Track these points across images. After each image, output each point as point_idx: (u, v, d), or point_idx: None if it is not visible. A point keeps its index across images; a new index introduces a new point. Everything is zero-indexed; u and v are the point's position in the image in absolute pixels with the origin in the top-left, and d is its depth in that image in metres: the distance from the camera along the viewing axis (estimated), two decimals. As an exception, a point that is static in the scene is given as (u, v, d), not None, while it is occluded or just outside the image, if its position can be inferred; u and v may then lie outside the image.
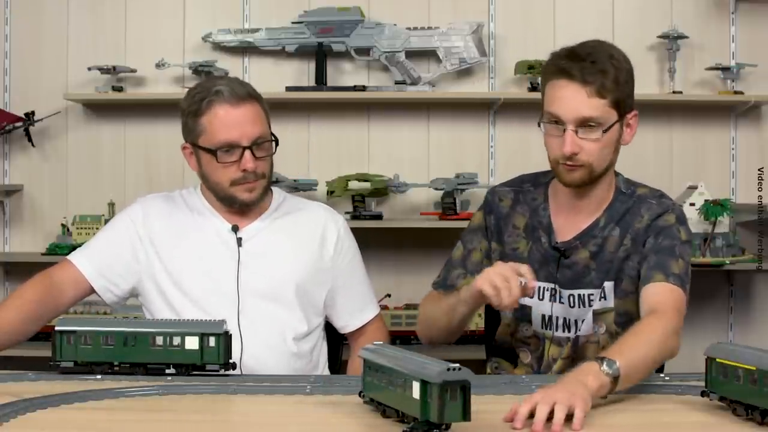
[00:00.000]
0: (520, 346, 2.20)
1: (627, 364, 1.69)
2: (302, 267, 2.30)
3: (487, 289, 1.86)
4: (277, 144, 2.27)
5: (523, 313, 2.16)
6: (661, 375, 1.94)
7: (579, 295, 2.11)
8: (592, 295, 2.10)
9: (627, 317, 2.08)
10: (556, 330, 2.13)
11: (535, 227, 2.16)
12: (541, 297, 2.14)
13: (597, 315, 2.10)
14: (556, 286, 2.11)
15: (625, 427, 1.58)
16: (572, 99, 2.00)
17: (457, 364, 1.43)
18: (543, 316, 2.15)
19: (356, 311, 2.40)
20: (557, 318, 2.13)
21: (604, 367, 1.66)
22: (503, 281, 1.85)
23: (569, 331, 2.12)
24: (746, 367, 1.53)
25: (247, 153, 2.19)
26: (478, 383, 1.75)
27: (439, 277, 2.25)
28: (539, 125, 2.07)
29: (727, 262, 3.65)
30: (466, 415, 1.42)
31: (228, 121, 2.19)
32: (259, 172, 2.23)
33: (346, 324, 2.41)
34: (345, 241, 2.38)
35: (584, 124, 2.00)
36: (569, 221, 2.14)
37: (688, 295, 2.01)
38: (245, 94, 2.21)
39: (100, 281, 2.28)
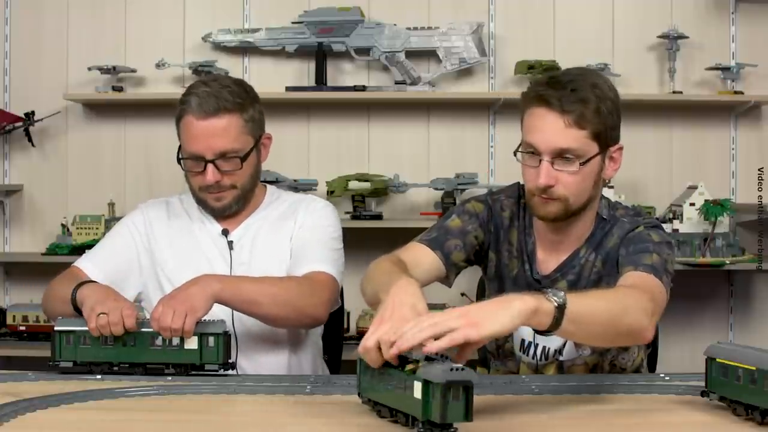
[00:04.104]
0: (502, 359, 2.15)
1: (578, 303, 1.60)
2: (287, 259, 2.29)
3: (361, 352, 1.58)
4: (243, 160, 2.20)
5: None
6: (661, 375, 1.94)
7: None
8: None
9: None
10: (533, 357, 2.08)
11: (523, 250, 2.10)
12: None
13: None
14: None
15: (625, 427, 1.58)
16: (549, 129, 1.90)
17: (460, 365, 1.43)
18: (523, 341, 2.09)
19: (302, 261, 2.25)
20: (537, 345, 2.07)
21: (550, 294, 1.58)
22: (375, 361, 1.56)
23: (545, 359, 2.07)
24: (746, 367, 1.53)
25: (210, 166, 2.18)
26: (478, 383, 1.75)
27: (428, 235, 2.09)
28: (515, 154, 1.99)
29: (727, 262, 3.65)
30: (468, 415, 1.42)
31: (193, 133, 2.18)
32: (226, 183, 2.22)
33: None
34: (310, 216, 2.31)
35: (561, 155, 1.91)
36: (551, 255, 2.07)
37: (669, 289, 1.89)
38: (213, 108, 2.16)
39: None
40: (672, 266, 1.95)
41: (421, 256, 2.03)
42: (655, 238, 1.97)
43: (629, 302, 1.73)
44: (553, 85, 1.93)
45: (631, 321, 1.71)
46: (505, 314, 1.53)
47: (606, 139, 1.95)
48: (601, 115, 1.91)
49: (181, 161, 2.24)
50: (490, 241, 2.13)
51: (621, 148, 2.00)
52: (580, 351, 2.05)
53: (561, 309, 1.58)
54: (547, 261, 2.08)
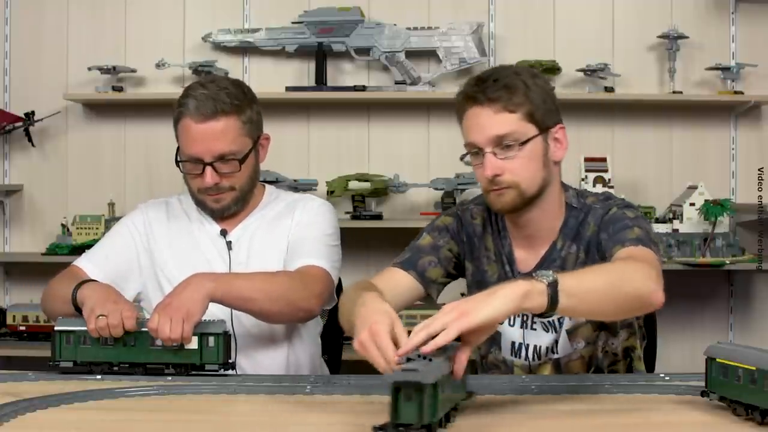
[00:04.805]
0: (488, 372, 2.15)
1: (571, 277, 1.63)
2: (284, 259, 2.28)
3: (358, 348, 1.60)
4: (241, 162, 2.21)
5: (492, 338, 2.08)
6: (661, 375, 1.94)
7: (549, 320, 2.04)
8: (561, 317, 2.02)
9: (603, 322, 2.03)
10: (525, 359, 2.08)
11: (500, 253, 2.10)
12: (511, 323, 2.07)
13: (570, 333, 2.04)
14: (528, 314, 1.99)
15: (625, 427, 1.58)
16: (482, 122, 1.94)
17: (417, 365, 1.42)
18: (513, 344, 2.09)
19: (296, 256, 2.26)
20: (527, 346, 2.07)
21: (538, 275, 1.60)
22: (373, 348, 1.57)
23: (539, 359, 2.07)
24: (746, 367, 1.53)
25: (208, 169, 2.19)
26: (477, 383, 1.76)
27: (402, 257, 2.11)
28: (461, 159, 2.03)
29: (727, 262, 3.65)
30: (422, 416, 1.38)
31: (191, 136, 2.18)
32: (225, 185, 2.22)
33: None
34: (307, 214, 2.31)
35: (500, 143, 1.93)
36: (529, 252, 2.08)
37: (660, 256, 1.91)
38: (211, 111, 2.16)
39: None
40: (655, 237, 1.98)
41: (395, 280, 2.07)
42: (630, 215, 2.00)
43: (629, 269, 1.75)
44: (477, 83, 1.97)
45: (636, 286, 1.72)
46: (495, 300, 1.54)
47: (542, 119, 1.97)
48: (529, 97, 1.95)
49: (180, 163, 2.24)
50: (465, 251, 2.15)
51: (563, 128, 2.02)
52: (575, 345, 2.05)
53: (553, 286, 1.59)
54: (527, 259, 2.08)
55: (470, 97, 1.96)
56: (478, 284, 2.12)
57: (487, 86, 1.94)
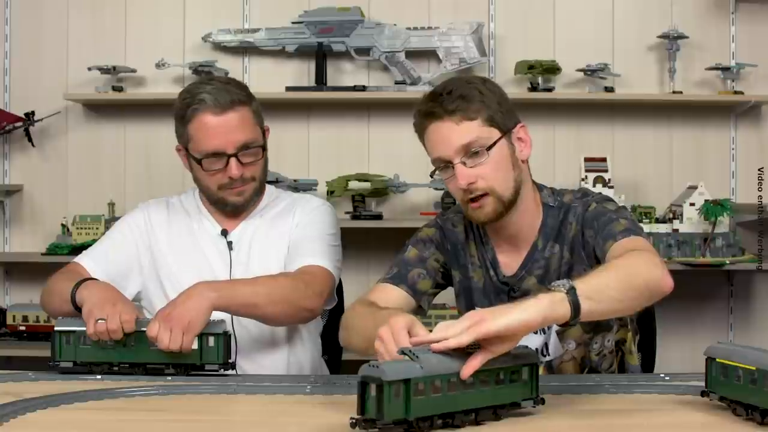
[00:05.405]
0: None
1: (585, 281, 1.64)
2: (284, 259, 2.29)
3: (378, 346, 1.66)
4: (264, 149, 2.24)
5: None
6: (661, 375, 1.94)
7: None
8: None
9: (593, 322, 2.02)
10: None
11: (484, 259, 2.12)
12: None
13: (560, 334, 2.04)
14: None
15: (625, 427, 1.58)
16: (445, 135, 1.95)
17: (378, 362, 1.45)
18: None
19: (297, 257, 2.26)
20: None
21: (552, 286, 1.62)
22: (389, 339, 1.64)
23: None
24: (746, 367, 1.53)
25: (233, 161, 2.19)
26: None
27: (390, 272, 2.12)
28: (431, 176, 2.04)
29: (727, 262, 3.65)
30: (381, 413, 1.41)
31: (211, 130, 2.18)
32: (248, 176, 2.23)
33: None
34: (307, 214, 2.33)
35: (467, 152, 1.94)
36: (510, 254, 2.09)
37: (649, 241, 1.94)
38: (229, 101, 2.18)
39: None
40: (637, 223, 2.00)
41: (389, 297, 2.07)
42: (611, 208, 2.01)
43: (633, 261, 1.76)
44: (432, 99, 1.98)
45: (646, 277, 1.74)
46: (516, 311, 1.55)
47: (503, 121, 1.98)
48: (485, 103, 1.96)
49: (199, 163, 2.21)
50: (450, 260, 2.16)
51: (524, 126, 2.04)
52: (566, 346, 2.05)
53: (572, 293, 1.60)
54: (510, 262, 2.09)
55: (429, 114, 1.97)
56: (465, 291, 2.14)
57: (443, 99, 1.95)
